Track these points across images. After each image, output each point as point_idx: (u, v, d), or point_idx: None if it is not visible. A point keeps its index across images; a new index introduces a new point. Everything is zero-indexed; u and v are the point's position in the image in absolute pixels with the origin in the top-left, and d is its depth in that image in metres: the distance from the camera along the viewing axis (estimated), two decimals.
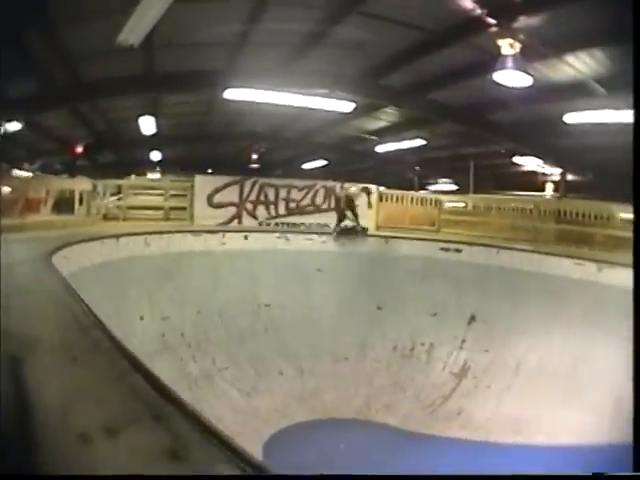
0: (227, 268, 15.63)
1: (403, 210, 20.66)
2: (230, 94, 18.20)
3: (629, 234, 15.79)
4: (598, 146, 21.73)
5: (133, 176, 29.16)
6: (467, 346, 15.35)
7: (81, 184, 17.49)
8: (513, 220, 19.66)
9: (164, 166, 35.78)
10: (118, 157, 34.87)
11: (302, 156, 37.13)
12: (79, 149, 26.00)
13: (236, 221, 18.16)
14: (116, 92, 18.36)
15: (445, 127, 24.14)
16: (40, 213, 15.30)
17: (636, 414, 5.05)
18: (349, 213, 17.56)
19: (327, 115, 22.54)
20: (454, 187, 34.90)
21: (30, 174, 25.39)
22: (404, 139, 26.87)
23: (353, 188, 18.11)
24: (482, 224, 19.92)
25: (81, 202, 16.75)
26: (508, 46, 12.19)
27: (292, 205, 19.07)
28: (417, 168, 34.66)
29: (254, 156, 31.79)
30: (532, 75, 13.60)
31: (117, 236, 13.52)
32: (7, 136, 18.49)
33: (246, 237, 16.77)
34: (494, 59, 12.71)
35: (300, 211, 19.12)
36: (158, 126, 24.71)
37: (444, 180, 37.00)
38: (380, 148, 29.58)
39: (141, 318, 13.12)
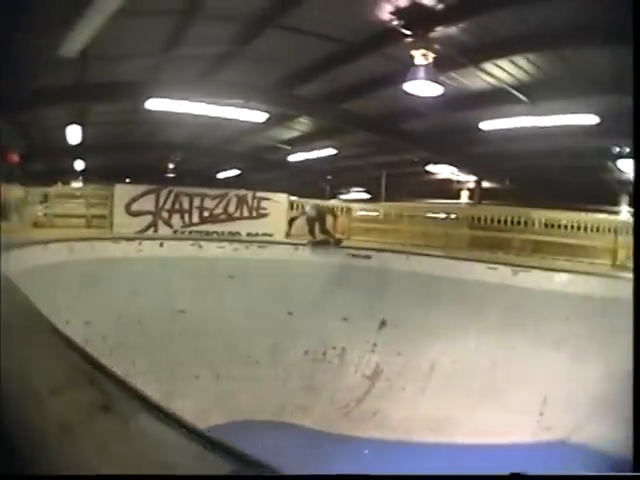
0: (144, 275, 15.55)
1: None
2: (151, 104, 18.43)
3: (548, 238, 16.49)
4: (516, 153, 22.43)
5: (59, 184, 28.92)
6: (379, 350, 15.52)
7: (14, 191, 17.27)
8: (424, 227, 19.99)
9: (87, 175, 35.40)
10: (47, 165, 34.67)
11: (217, 165, 37.33)
12: (15, 157, 25.60)
13: (152, 229, 18.10)
14: (48, 102, 18.52)
15: (358, 136, 24.52)
16: None
17: (636, 414, 4.93)
18: (317, 227, 17.69)
19: (242, 125, 22.79)
20: (367, 196, 35.32)
21: None
22: (316, 149, 27.25)
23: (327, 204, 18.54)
24: (393, 231, 20.16)
25: (15, 210, 16.66)
26: (421, 56, 12.51)
27: (206, 214, 19.06)
28: (329, 177, 35.03)
29: (170, 165, 31.78)
30: (444, 84, 14.03)
31: (46, 242, 13.49)
32: None
33: (161, 244, 16.78)
34: (408, 69, 13.04)
35: (213, 219, 19.11)
36: (83, 135, 24.64)
37: (357, 189, 37.39)
38: (293, 157, 29.90)
39: (67, 322, 13.06)
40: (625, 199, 21.21)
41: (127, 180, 20.48)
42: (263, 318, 15.77)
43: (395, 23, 12.43)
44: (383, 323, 15.61)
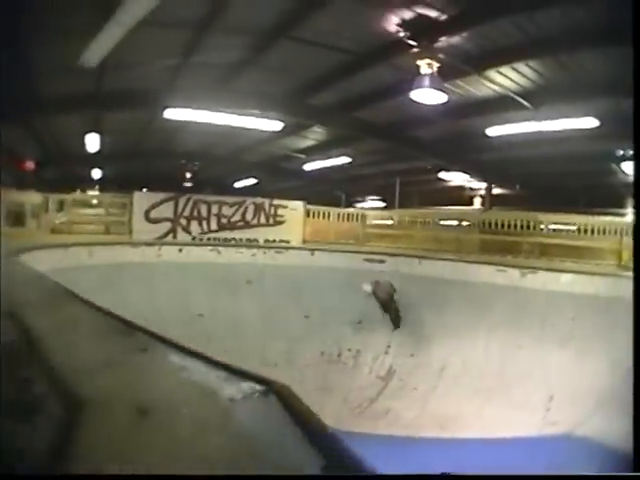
0: (163, 279, 15.78)
1: (328, 226, 21.13)
2: (169, 114, 18.76)
3: (555, 241, 16.75)
4: (523, 159, 22.63)
5: (78, 191, 29.26)
6: (392, 351, 15.70)
7: (32, 198, 17.53)
8: (436, 232, 20.26)
9: (104, 183, 35.57)
10: (64, 173, 34.76)
11: (233, 174, 37.48)
12: (30, 165, 25.92)
13: (171, 236, 18.32)
14: (66, 109, 18.73)
15: (371, 145, 24.79)
16: None
17: (636, 414, 5.06)
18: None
19: (257, 134, 23.10)
20: (382, 204, 35.53)
21: None
22: (331, 157, 27.52)
23: None
24: (406, 237, 20.41)
25: (32, 215, 16.93)
26: (426, 66, 12.94)
27: (223, 221, 19.25)
28: (344, 186, 35.29)
29: (188, 175, 31.96)
30: (449, 92, 14.40)
31: (66, 246, 13.86)
32: None
33: (180, 250, 17.11)
34: (414, 78, 13.46)
35: (231, 226, 19.31)
36: (101, 144, 24.92)
37: (372, 197, 37.49)
38: (308, 166, 30.17)
39: None
40: (630, 201, 21.34)
41: (144, 190, 20.64)
42: (280, 322, 15.98)
43: (401, 35, 12.85)
44: (397, 325, 15.74)
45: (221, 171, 36.81)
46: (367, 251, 18.28)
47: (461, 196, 29.55)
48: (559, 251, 16.79)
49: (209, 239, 18.78)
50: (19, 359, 2.99)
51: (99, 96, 17.96)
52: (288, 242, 19.32)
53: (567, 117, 16.36)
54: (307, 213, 20.37)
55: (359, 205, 36.50)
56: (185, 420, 2.21)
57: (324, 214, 21.13)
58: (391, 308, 15.12)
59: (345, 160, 27.46)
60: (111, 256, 15.30)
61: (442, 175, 28.15)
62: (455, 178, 28.41)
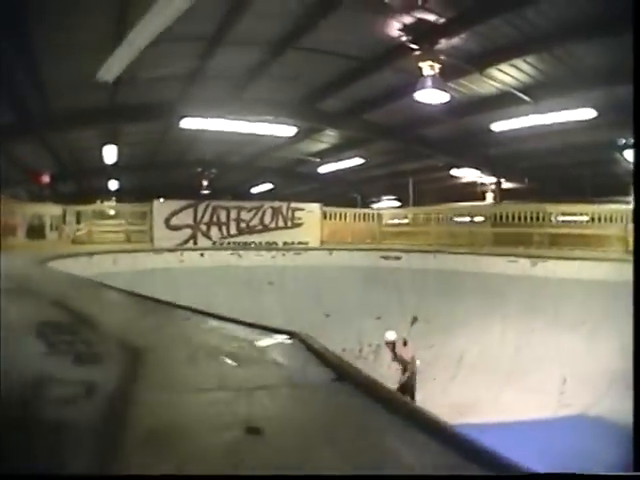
0: (186, 283, 16.04)
1: (345, 226, 21.54)
2: (186, 123, 19.05)
3: (564, 230, 17.11)
4: (529, 152, 22.84)
5: (98, 202, 29.64)
6: (412, 344, 15.93)
7: (52, 210, 17.97)
8: (450, 228, 20.77)
9: (121, 195, 35.56)
10: (83, 185, 35.01)
11: (250, 180, 37.63)
12: (46, 178, 26.08)
13: (192, 242, 18.81)
14: (82, 123, 19.00)
15: (382, 146, 25.15)
16: (17, 237, 15.77)
17: (636, 414, 4.88)
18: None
19: (272, 140, 23.35)
20: (397, 203, 35.78)
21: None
22: (344, 159, 27.76)
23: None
24: (421, 233, 20.92)
25: (51, 227, 17.28)
26: (428, 67, 13.38)
27: (243, 225, 19.75)
28: (359, 187, 35.52)
29: (205, 182, 32.04)
30: (452, 92, 14.85)
31: (90, 254, 14.39)
32: None
33: (202, 254, 17.59)
34: (417, 80, 13.86)
35: (250, 231, 19.81)
36: (118, 155, 25.05)
37: (387, 197, 37.66)
38: (322, 169, 30.38)
39: None
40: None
41: (161, 200, 20.91)
42: (301, 320, 15.99)
43: (403, 39, 13.30)
44: (415, 319, 15.70)
45: (237, 177, 36.92)
46: (384, 248, 18.67)
47: (474, 192, 29.54)
48: (568, 240, 17.16)
49: (229, 243, 19.25)
50: (76, 330, 3.65)
51: (115, 109, 18.24)
52: (306, 244, 19.75)
53: (567, 109, 16.57)
54: (324, 215, 20.86)
55: (375, 205, 36.43)
56: (229, 356, 2.83)
57: (340, 215, 21.61)
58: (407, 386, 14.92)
59: (358, 161, 27.72)
60: (134, 263, 15.81)
61: (454, 172, 28.38)
62: (466, 174, 28.63)
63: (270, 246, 19.49)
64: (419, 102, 14.67)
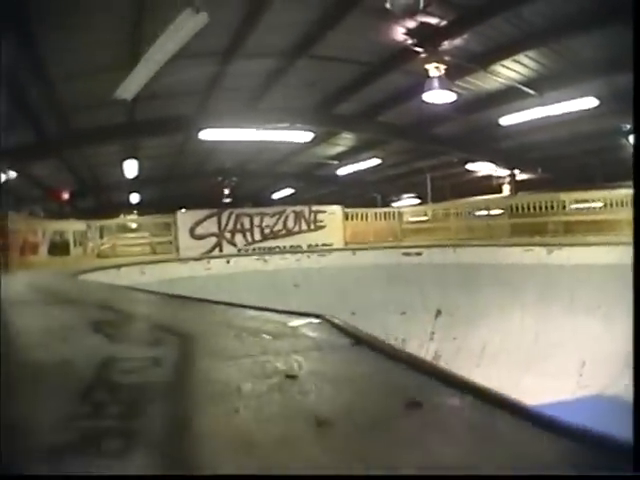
0: (214, 289, 16.33)
1: (367, 226, 22.03)
2: (204, 135, 19.55)
3: (577, 217, 17.49)
4: (539, 143, 23.13)
5: (122, 216, 30.20)
6: (436, 337, 16.32)
7: (74, 226, 18.36)
8: (469, 222, 21.25)
9: (142, 208, 35.58)
10: (99, 201, 35.60)
11: (270, 186, 37.96)
12: (65, 195, 26.69)
13: (217, 249, 19.29)
14: (101, 140, 19.57)
15: (397, 145, 25.63)
16: (39, 254, 15.91)
17: (636, 413, 5.10)
18: None
19: (289, 146, 23.97)
20: (416, 200, 36.04)
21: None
22: (362, 160, 28.20)
23: None
24: (441, 229, 21.47)
25: (74, 243, 17.54)
26: (434, 69, 13.98)
27: (266, 231, 20.17)
28: (378, 187, 35.99)
29: (226, 191, 32.31)
30: (459, 90, 15.46)
31: (118, 266, 14.92)
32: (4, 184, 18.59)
33: (228, 261, 18.00)
34: (424, 81, 14.53)
35: (274, 236, 20.23)
36: (139, 169, 25.53)
37: (406, 195, 38.01)
38: (341, 171, 30.82)
39: None
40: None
41: (182, 210, 21.28)
42: None
43: (408, 43, 13.88)
44: (439, 312, 16.38)
45: (258, 184, 37.40)
46: (405, 246, 19.10)
47: (490, 185, 29.81)
48: (582, 227, 17.54)
49: (254, 249, 19.66)
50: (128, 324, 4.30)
51: (134, 125, 18.85)
52: (330, 245, 20.19)
53: (571, 99, 16.89)
54: (345, 216, 21.28)
55: (395, 204, 36.52)
56: (267, 334, 3.45)
57: (362, 215, 22.06)
58: None
59: (375, 162, 28.16)
60: (162, 273, 16.10)
61: (469, 166, 28.73)
62: (482, 168, 28.94)
63: (294, 249, 19.80)
64: (426, 102, 15.22)
